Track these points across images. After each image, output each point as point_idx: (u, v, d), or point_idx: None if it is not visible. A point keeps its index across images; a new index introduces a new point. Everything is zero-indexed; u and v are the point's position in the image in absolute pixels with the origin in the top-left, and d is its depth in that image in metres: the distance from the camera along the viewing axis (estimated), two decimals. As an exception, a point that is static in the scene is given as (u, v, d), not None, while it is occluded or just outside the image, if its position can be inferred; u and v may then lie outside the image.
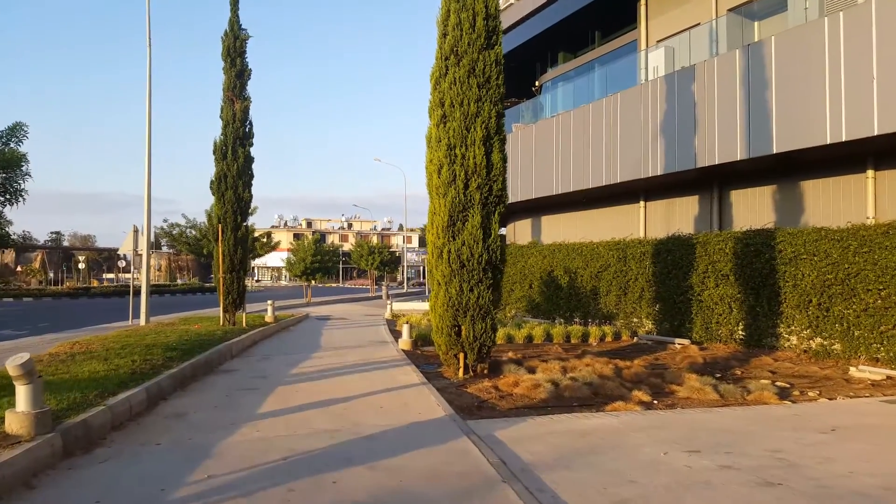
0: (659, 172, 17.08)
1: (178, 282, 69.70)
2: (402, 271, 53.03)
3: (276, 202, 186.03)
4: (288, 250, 34.84)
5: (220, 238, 15.22)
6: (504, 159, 9.64)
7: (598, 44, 23.78)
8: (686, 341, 14.46)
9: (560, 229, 24.20)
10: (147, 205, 16.83)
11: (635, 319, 16.89)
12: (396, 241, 78.46)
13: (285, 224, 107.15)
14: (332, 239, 72.34)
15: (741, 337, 13.80)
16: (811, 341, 12.41)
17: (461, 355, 9.50)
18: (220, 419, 6.59)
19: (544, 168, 21.96)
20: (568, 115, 20.72)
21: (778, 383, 9.63)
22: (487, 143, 9.46)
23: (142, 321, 16.24)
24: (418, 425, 6.29)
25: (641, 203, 20.44)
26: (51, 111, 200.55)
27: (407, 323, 13.01)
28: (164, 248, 75.71)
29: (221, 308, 15.40)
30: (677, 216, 19.43)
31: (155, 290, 49.63)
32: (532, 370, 10.02)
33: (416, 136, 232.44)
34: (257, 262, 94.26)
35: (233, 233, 15.25)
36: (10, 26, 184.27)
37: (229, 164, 15.31)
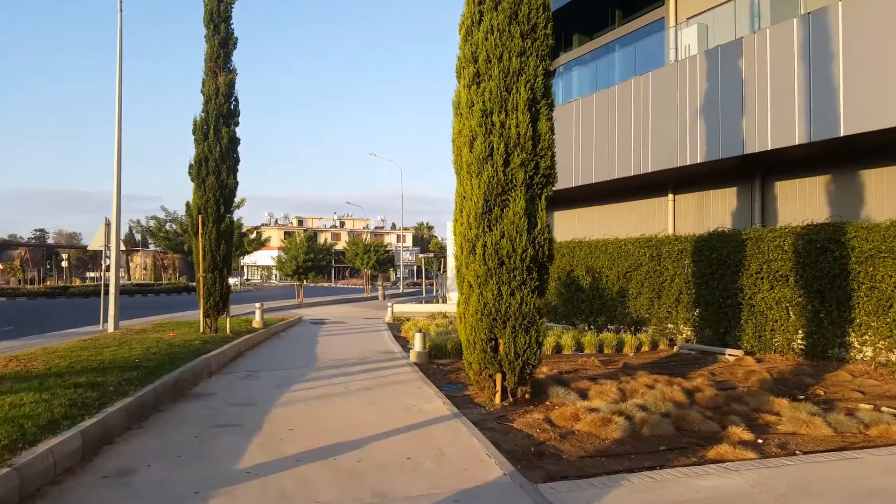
0: (698, 160, 15.18)
1: (164, 281, 67.27)
2: (399, 271, 50.99)
3: (265, 201, 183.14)
4: (279, 248, 32.75)
5: (199, 231, 13.16)
6: (552, 129, 7.68)
7: (618, 24, 21.87)
8: (738, 352, 12.56)
9: (576, 225, 22.28)
10: (116, 194, 14.73)
11: (670, 325, 15.00)
12: (390, 240, 76.27)
13: (276, 222, 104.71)
14: (324, 237, 69.93)
15: (801, 347, 11.94)
16: (891, 353, 10.56)
17: (498, 376, 7.52)
18: (181, 481, 4.58)
19: (560, 158, 19.95)
20: (589, 100, 18.78)
21: (885, 409, 7.73)
22: (533, 108, 7.49)
23: (109, 327, 14.16)
24: (471, 496, 4.31)
25: (670, 196, 18.55)
26: (39, 109, 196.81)
27: (419, 332, 11.03)
28: (152, 246, 73.26)
29: (201, 312, 13.34)
30: (712, 210, 17.56)
31: (139, 289, 47.35)
32: (583, 394, 8.07)
33: (411, 134, 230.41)
34: (246, 260, 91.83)
35: (215, 225, 13.20)
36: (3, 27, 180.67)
37: (211, 145, 13.26)
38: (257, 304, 15.76)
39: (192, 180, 13.38)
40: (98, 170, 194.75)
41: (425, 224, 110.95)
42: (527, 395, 7.72)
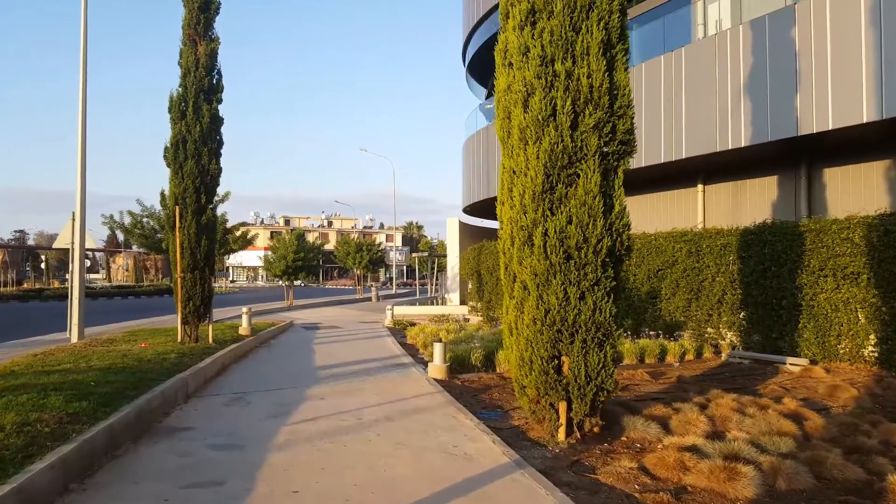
0: (742, 144, 13.53)
1: (145, 283, 64.93)
2: (392, 271, 49.14)
3: (252, 201, 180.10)
4: (266, 248, 30.79)
5: (177, 225, 11.28)
6: (628, 83, 5.93)
7: (635, 1, 20.19)
8: (801, 361, 10.91)
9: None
10: (80, 187, 12.78)
11: (710, 330, 13.35)
12: (380, 240, 74.31)
13: (262, 222, 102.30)
14: (312, 237, 67.67)
15: (875, 355, 10.35)
16: None
17: (562, 405, 5.76)
18: None
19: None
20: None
21: None
22: (608, 54, 5.74)
23: (73, 337, 12.23)
24: None
25: (699, 187, 16.91)
26: (23, 107, 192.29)
27: (439, 341, 9.23)
28: (135, 247, 70.67)
29: (179, 319, 11.46)
30: (748, 201, 15.94)
31: (118, 292, 45.10)
32: (663, 423, 6.34)
33: (399, 133, 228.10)
34: (232, 260, 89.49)
35: (195, 218, 11.33)
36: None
37: (189, 124, 11.38)
38: (244, 308, 13.90)
39: (168, 165, 11.50)
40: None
41: (415, 223, 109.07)
42: (596, 429, 5.97)
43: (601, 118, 5.58)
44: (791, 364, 10.85)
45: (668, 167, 15.99)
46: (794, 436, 5.97)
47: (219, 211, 18.62)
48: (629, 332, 14.78)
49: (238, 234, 16.62)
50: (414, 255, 41.37)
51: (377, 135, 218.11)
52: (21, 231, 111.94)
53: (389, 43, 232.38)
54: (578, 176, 5.62)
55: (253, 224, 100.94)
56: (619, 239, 5.68)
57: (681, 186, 17.40)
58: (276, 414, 6.70)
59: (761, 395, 8.48)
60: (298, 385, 8.52)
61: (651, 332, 14.57)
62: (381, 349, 12.81)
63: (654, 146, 15.60)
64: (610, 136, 5.68)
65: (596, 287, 5.59)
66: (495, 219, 25.82)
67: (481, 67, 28.12)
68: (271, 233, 68.72)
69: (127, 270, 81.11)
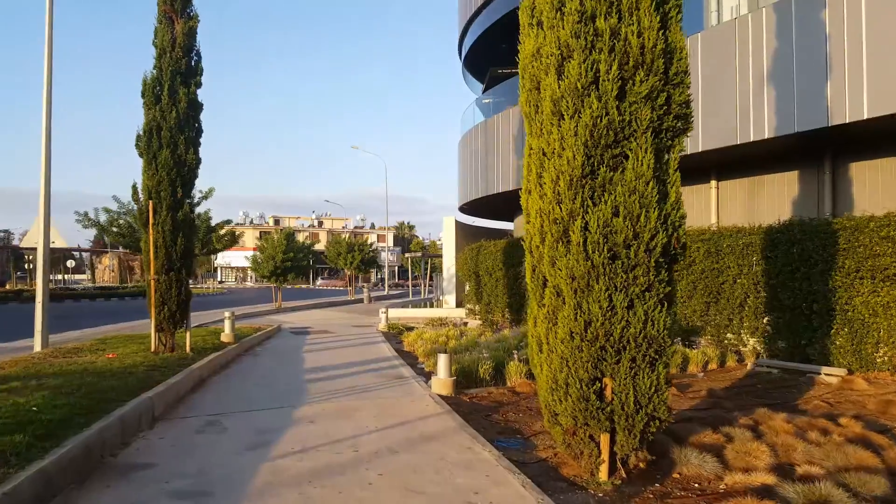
0: (765, 136, 12.56)
1: (129, 284, 63.42)
2: (384, 272, 48.01)
3: (240, 202, 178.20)
4: (254, 249, 29.60)
5: (150, 221, 10.16)
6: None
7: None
8: (838, 371, 9.95)
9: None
10: (45, 181, 11.61)
11: (730, 336, 12.39)
12: (371, 240, 73.08)
13: (251, 222, 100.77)
14: (302, 237, 66.12)
15: (919, 364, 9.42)
16: None
17: (604, 438, 4.73)
18: None
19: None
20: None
21: None
22: (661, 9, 4.71)
23: (36, 345, 11.06)
24: None
25: (712, 183, 15.95)
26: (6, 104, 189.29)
27: (444, 352, 8.18)
28: (121, 249, 69.05)
29: (153, 326, 10.33)
30: (765, 198, 15.00)
31: (101, 293, 43.72)
32: (717, 453, 5.33)
33: (389, 133, 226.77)
34: (220, 261, 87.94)
35: (170, 213, 10.21)
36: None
37: (164, 109, 10.27)
38: (226, 313, 12.76)
39: (141, 155, 10.38)
40: (72, 169, 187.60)
41: (406, 224, 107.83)
42: (642, 464, 4.94)
43: (655, 86, 4.55)
44: (827, 374, 9.89)
45: (680, 161, 14.99)
46: (877, 469, 4.98)
47: (202, 208, 17.50)
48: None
49: (223, 232, 15.49)
50: (407, 255, 40.31)
51: (368, 134, 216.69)
52: (6, 231, 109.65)
53: (380, 39, 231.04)
54: (626, 157, 4.59)
55: (242, 224, 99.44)
56: (675, 234, 4.66)
57: (692, 182, 16.42)
58: (257, 444, 5.62)
59: (806, 411, 7.54)
60: (284, 404, 7.43)
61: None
62: (377, 358, 11.74)
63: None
64: (664, 108, 4.65)
65: (647, 293, 4.55)
66: (493, 218, 24.81)
67: (478, 60, 27.09)
68: (260, 233, 67.30)
69: (113, 271, 79.30)
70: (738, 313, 12.08)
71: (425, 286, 39.88)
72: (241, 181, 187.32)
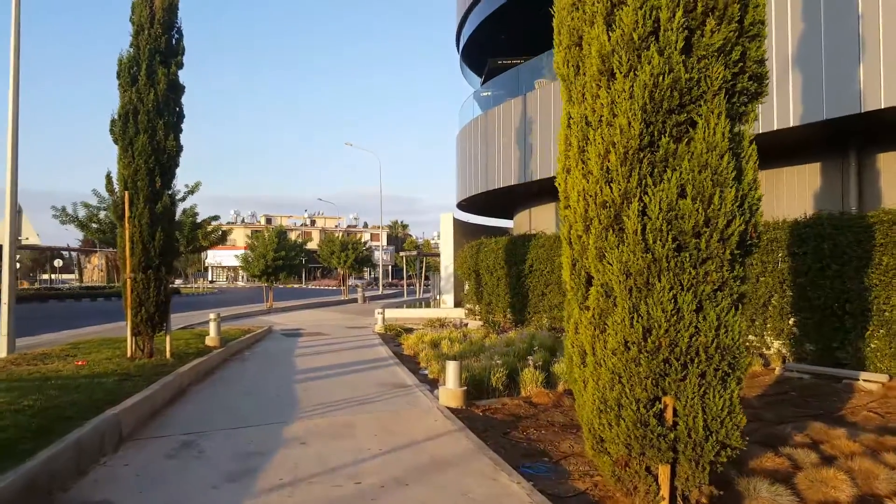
0: (790, 124, 11.73)
1: (117, 283, 62.16)
2: (379, 271, 47.03)
3: (232, 202, 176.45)
4: (245, 248, 28.60)
5: (125, 214, 9.22)
6: (759, -6, 4.03)
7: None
8: (878, 377, 9.16)
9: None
10: (11, 172, 10.62)
11: (751, 337, 11.57)
12: (364, 239, 72.01)
13: (242, 221, 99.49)
14: (294, 236, 64.76)
15: (966, 370, 8.63)
16: None
17: (664, 469, 3.85)
18: None
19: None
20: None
21: None
22: (735, -56, 3.83)
23: (1, 351, 10.08)
24: None
25: (727, 176, 15.10)
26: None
27: (454, 359, 7.29)
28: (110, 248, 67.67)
29: (129, 329, 9.39)
30: (784, 192, 14.19)
31: (87, 293, 42.53)
32: (787, 480, 4.49)
33: (382, 133, 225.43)
34: (211, 260, 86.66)
35: (148, 205, 9.27)
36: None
37: (142, 91, 9.33)
38: (212, 314, 11.81)
39: (116, 142, 9.43)
40: (55, 167, 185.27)
41: (400, 223, 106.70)
42: (704, 500, 4.07)
43: (728, 37, 3.67)
44: (866, 381, 9.08)
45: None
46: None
47: (188, 203, 16.53)
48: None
49: (209, 228, 14.59)
50: (401, 253, 39.38)
51: (361, 134, 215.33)
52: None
53: (377, 39, 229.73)
54: (694, 124, 3.72)
55: (233, 223, 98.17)
56: (751, 220, 3.78)
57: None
58: (238, 473, 4.71)
59: (856, 424, 6.73)
60: (273, 418, 6.52)
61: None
62: (375, 363, 10.83)
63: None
64: (739, 65, 3.77)
65: (720, 293, 3.69)
66: (492, 215, 23.79)
67: (477, 52, 26.21)
68: (252, 232, 66.05)
69: (101, 271, 77.90)
70: (760, 313, 11.28)
71: (420, 286, 38.97)
72: (233, 181, 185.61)
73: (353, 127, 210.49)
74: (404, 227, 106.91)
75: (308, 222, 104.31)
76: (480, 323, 18.23)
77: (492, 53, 24.80)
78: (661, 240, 3.63)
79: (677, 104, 3.70)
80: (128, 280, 9.33)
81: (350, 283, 41.78)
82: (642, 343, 3.67)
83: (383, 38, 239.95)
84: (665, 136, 3.72)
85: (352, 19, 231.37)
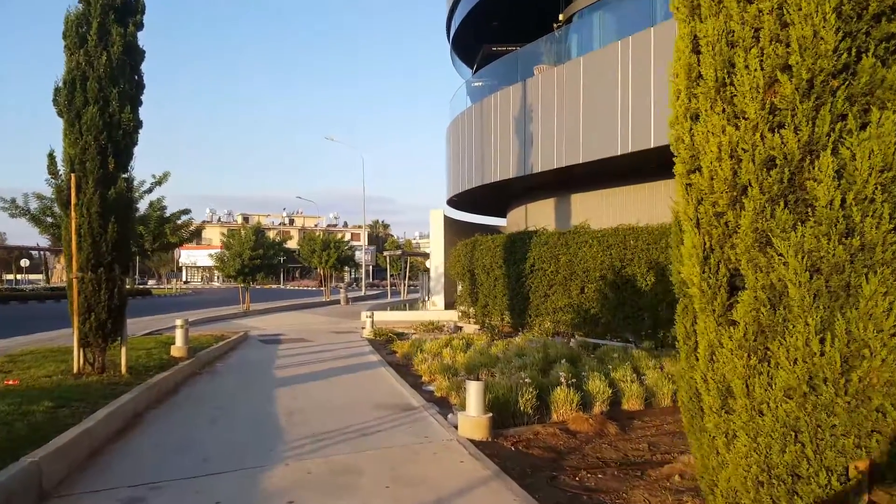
0: None
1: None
2: (361, 271, 45.40)
3: (209, 200, 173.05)
4: (221, 247, 26.86)
5: (71, 201, 7.68)
6: None
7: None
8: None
9: (603, 211, 17.50)
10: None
11: (789, 344, 10.31)
12: (345, 239, 70.00)
13: (219, 220, 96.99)
14: (272, 234, 62.50)
15: None
16: None
17: (859, 572, 2.48)
18: None
19: (597, 121, 15.15)
20: (646, 37, 13.92)
21: None
22: None
23: (-80, 364, 8.45)
24: None
25: (749, 168, 13.92)
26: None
27: (477, 380, 5.87)
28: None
29: (76, 340, 7.84)
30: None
31: (52, 294, 40.31)
32: None
33: (364, 132, 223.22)
34: (185, 260, 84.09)
35: (99, 190, 7.73)
36: None
37: (92, 54, 7.79)
38: (179, 321, 10.24)
39: (60, 114, 7.87)
40: (30, 164, 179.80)
41: (381, 222, 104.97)
42: None
43: None
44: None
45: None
46: None
47: (154, 195, 14.95)
48: (666, 344, 11.72)
49: (179, 223, 12.99)
50: (385, 253, 37.90)
51: (341, 133, 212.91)
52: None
53: (363, 42, 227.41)
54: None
55: (209, 222, 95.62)
56: None
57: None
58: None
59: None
60: (250, 460, 5.05)
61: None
62: (370, 377, 9.39)
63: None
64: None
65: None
66: (483, 213, 22.12)
67: (468, 41, 24.85)
68: (228, 230, 64.19)
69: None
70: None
71: (405, 286, 37.49)
72: (209, 180, 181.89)
73: (333, 127, 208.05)
74: (385, 226, 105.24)
75: (287, 221, 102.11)
76: (477, 327, 16.86)
77: (484, 41, 23.48)
78: (873, 215, 2.26)
79: (890, 4, 2.34)
80: (74, 281, 7.78)
81: (333, 285, 40.15)
82: (840, 380, 2.31)
83: (367, 39, 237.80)
84: (869, 56, 2.36)
85: (335, 20, 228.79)
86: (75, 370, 7.84)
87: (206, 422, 6.47)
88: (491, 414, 5.87)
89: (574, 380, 7.08)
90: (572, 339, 13.70)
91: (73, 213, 7.73)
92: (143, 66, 8.44)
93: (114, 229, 7.84)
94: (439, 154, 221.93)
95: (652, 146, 13.43)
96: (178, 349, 9.94)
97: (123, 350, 8.16)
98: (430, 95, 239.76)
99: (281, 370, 9.89)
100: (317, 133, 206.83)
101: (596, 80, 15.16)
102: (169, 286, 60.27)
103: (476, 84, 23.92)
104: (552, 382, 7.24)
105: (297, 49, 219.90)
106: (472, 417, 5.72)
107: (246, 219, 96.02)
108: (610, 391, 7.01)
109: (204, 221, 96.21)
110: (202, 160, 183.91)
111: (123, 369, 8.04)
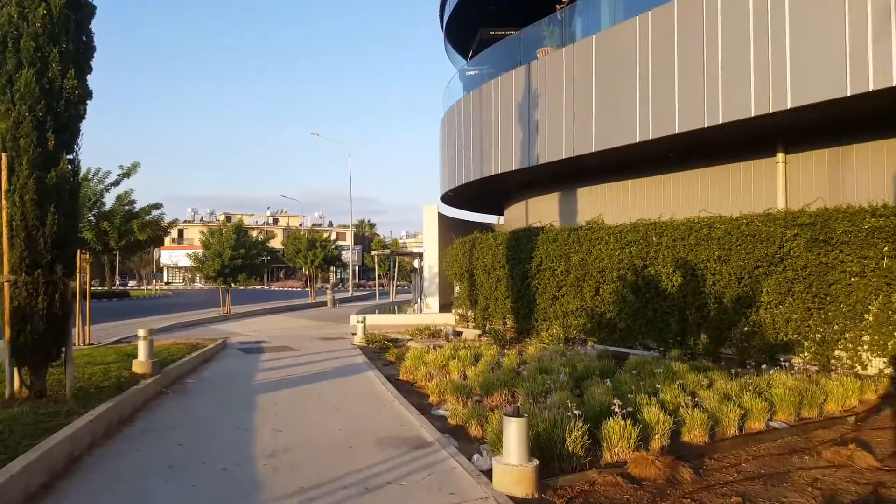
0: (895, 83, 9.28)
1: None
2: (348, 271, 43.70)
3: (192, 200, 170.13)
4: (200, 246, 25.24)
5: (1, 186, 6.20)
6: None
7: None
8: None
9: (614, 205, 16.22)
10: None
11: (841, 353, 9.25)
12: (331, 238, 68.18)
13: (201, 219, 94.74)
14: (255, 234, 60.40)
15: None
16: None
17: None
18: None
19: (612, 106, 13.83)
20: (667, 11, 12.60)
21: None
22: None
23: None
24: None
25: (779, 157, 12.72)
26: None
27: (518, 415, 4.48)
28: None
29: (7, 357, 6.35)
30: (854, 173, 11.83)
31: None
32: None
33: (349, 130, 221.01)
34: (167, 261, 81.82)
35: (35, 173, 6.25)
36: None
37: (26, 6, 6.31)
38: (142, 331, 8.69)
39: (-17, 81, 6.37)
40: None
41: (367, 221, 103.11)
42: None
43: None
44: None
45: (740, 128, 11.71)
46: None
47: (122, 187, 13.45)
48: (707, 355, 10.48)
49: (147, 217, 11.43)
50: (373, 253, 36.38)
51: (326, 131, 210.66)
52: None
53: (349, 39, 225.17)
54: None
55: (190, 221, 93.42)
56: None
57: (752, 157, 13.20)
58: None
59: None
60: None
61: (733, 354, 10.33)
62: (368, 397, 7.98)
63: (736, 94, 11.23)
64: None
65: None
66: (477, 210, 20.63)
67: (463, 26, 23.45)
68: (209, 229, 62.25)
69: None
70: (855, 322, 8.99)
71: (393, 287, 36.03)
72: (191, 180, 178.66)
73: (317, 127, 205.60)
74: (371, 226, 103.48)
75: (271, 221, 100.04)
76: (477, 332, 15.49)
77: (480, 25, 22.13)
78: None
79: None
80: (5, 285, 6.29)
81: (318, 286, 38.56)
82: None
83: (353, 36, 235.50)
84: None
85: (320, 14, 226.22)
86: (7, 395, 6.36)
87: (163, 468, 5.02)
88: (536, 461, 4.49)
89: (619, 402, 5.73)
90: (588, 347, 12.39)
91: (3, 202, 6.25)
92: (93, 25, 6.96)
93: (54, 222, 6.36)
94: (425, 152, 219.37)
95: (677, 132, 12.13)
96: (140, 364, 8.44)
97: (68, 370, 6.67)
98: (415, 93, 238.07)
99: (262, 390, 8.44)
100: (301, 132, 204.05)
101: (610, 60, 13.84)
102: (149, 287, 58.17)
103: (471, 72, 22.54)
104: (596, 408, 5.90)
105: (278, 47, 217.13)
106: (514, 466, 4.34)
107: (229, 218, 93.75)
108: (670, 421, 5.67)
109: (186, 221, 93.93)
110: (184, 160, 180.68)
111: (68, 393, 6.56)
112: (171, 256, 79.91)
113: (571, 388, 7.16)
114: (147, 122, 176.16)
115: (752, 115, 10.89)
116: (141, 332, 8.64)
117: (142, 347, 8.56)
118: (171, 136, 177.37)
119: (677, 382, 7.35)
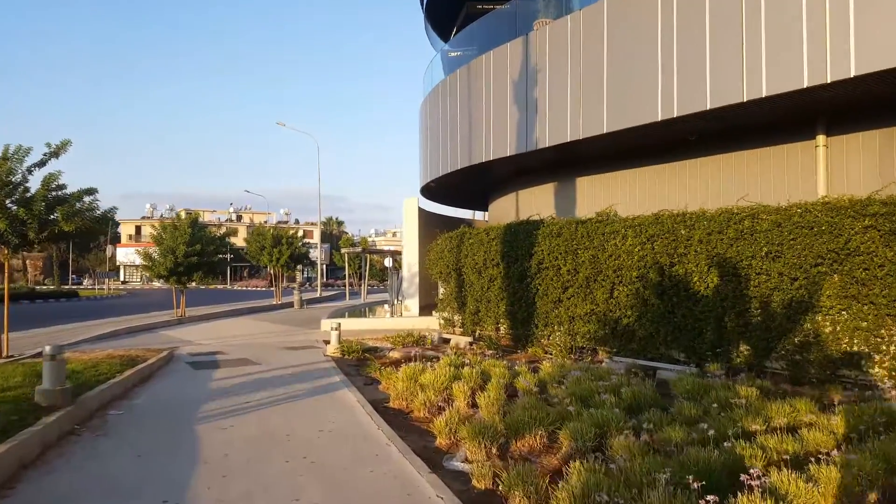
0: None
1: (21, 284, 53.92)
2: (317, 270, 41.20)
3: (151, 198, 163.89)
4: (150, 244, 22.73)
5: None
6: None
7: None
8: None
9: (618, 196, 14.46)
10: None
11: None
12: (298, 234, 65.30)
13: (161, 216, 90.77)
14: (215, 230, 57.38)
15: None
16: None
17: None
18: None
19: (627, 80, 12.06)
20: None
21: None
22: None
23: None
24: None
25: (820, 139, 11.10)
26: None
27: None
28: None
29: None
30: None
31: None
32: None
33: (318, 126, 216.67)
34: (123, 259, 77.94)
35: None
36: None
37: None
38: (47, 348, 6.48)
39: None
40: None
41: (335, 219, 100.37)
42: None
43: None
44: None
45: (780, 105, 10.07)
46: None
47: (49, 168, 11.17)
48: (749, 369, 8.80)
49: (77, 205, 9.54)
50: (343, 251, 34.21)
51: (294, 123, 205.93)
52: None
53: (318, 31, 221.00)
54: None
55: (148, 217, 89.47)
56: None
57: (788, 140, 11.59)
58: None
59: None
60: None
61: (782, 368, 8.67)
62: (352, 440, 5.99)
63: (780, 63, 9.55)
64: None
65: None
66: (459, 204, 17.59)
67: (444, 8, 21.52)
68: (160, 223, 59.12)
69: (21, 272, 68.16)
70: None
71: (364, 287, 33.95)
72: (150, 176, 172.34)
73: (285, 116, 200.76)
74: (339, 223, 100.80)
75: (234, 217, 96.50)
76: (468, 339, 13.59)
77: (462, 10, 20.29)
78: None
79: None
80: None
81: (285, 285, 36.22)
82: None
83: (323, 29, 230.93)
84: None
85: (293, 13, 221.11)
86: None
87: None
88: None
89: (715, 450, 3.88)
90: (605, 358, 10.62)
91: None
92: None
93: None
94: (396, 150, 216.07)
95: (708, 107, 10.41)
96: (44, 394, 6.29)
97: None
98: (385, 87, 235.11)
99: (210, 429, 6.34)
100: (272, 119, 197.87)
101: (625, 27, 12.07)
102: (101, 287, 54.76)
103: (454, 54, 20.62)
104: (694, 466, 4.05)
105: (238, 44, 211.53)
106: None
107: (189, 214, 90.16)
108: (814, 490, 3.83)
109: (144, 217, 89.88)
110: (141, 154, 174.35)
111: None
112: (128, 254, 76.13)
113: (632, 426, 5.31)
114: (99, 115, 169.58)
115: (805, 85, 9.22)
116: (46, 350, 6.46)
117: (47, 371, 6.39)
118: (131, 132, 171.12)
119: (761, 416, 5.58)
